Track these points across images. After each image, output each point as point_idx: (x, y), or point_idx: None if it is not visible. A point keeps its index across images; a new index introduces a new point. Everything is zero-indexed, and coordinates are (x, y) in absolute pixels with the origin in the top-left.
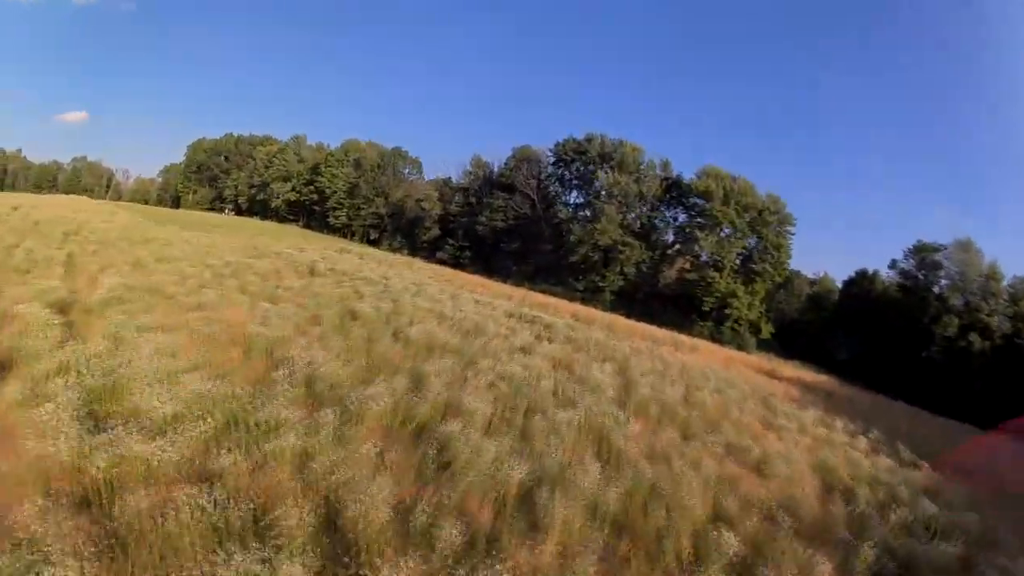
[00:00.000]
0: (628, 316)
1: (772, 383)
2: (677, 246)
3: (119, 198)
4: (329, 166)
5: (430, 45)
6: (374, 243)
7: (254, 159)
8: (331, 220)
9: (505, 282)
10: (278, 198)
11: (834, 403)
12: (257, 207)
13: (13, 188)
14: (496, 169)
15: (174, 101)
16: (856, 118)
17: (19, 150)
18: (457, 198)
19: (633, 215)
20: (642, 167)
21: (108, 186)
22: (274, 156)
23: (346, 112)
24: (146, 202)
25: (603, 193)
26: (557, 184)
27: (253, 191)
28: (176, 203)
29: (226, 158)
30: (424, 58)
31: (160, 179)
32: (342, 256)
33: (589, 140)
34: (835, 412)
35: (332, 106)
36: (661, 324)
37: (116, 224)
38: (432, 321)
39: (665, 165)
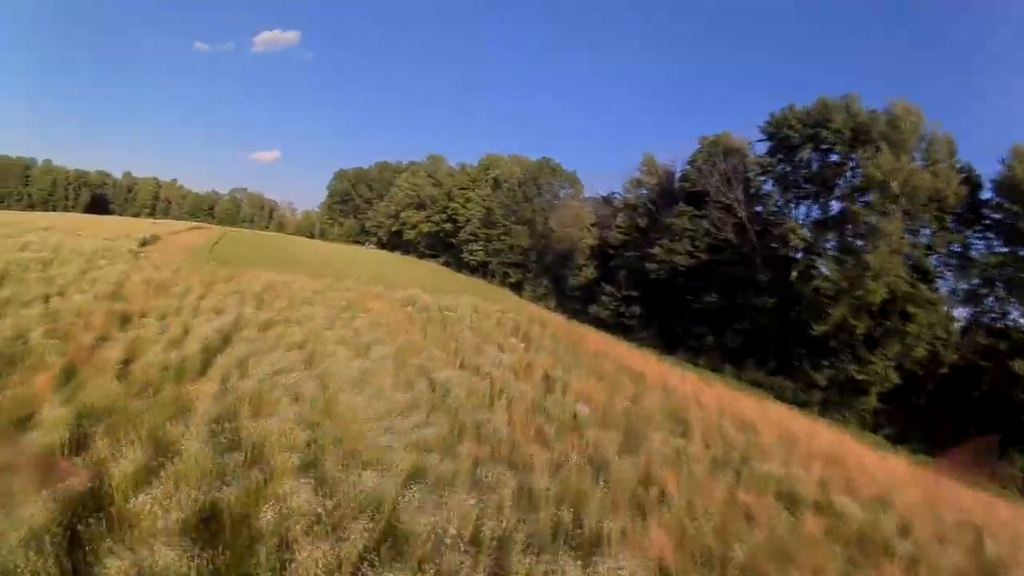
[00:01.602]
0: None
1: None
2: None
3: (279, 229)
4: (463, 188)
5: (590, 45)
6: (517, 287)
7: (395, 187)
8: (465, 256)
9: (696, 363)
10: (412, 229)
11: None
12: (396, 240)
13: (166, 215)
14: (678, 172)
15: (350, 139)
16: None
17: (175, 180)
18: (620, 220)
19: (922, 237)
20: (931, 148)
21: (270, 217)
22: (407, 180)
23: (504, 129)
24: (311, 235)
25: (875, 197)
26: (777, 189)
27: (389, 222)
28: (322, 236)
29: (369, 187)
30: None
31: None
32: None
33: (826, 106)
34: None
35: (499, 125)
36: None
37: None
38: None
39: (948, 146)
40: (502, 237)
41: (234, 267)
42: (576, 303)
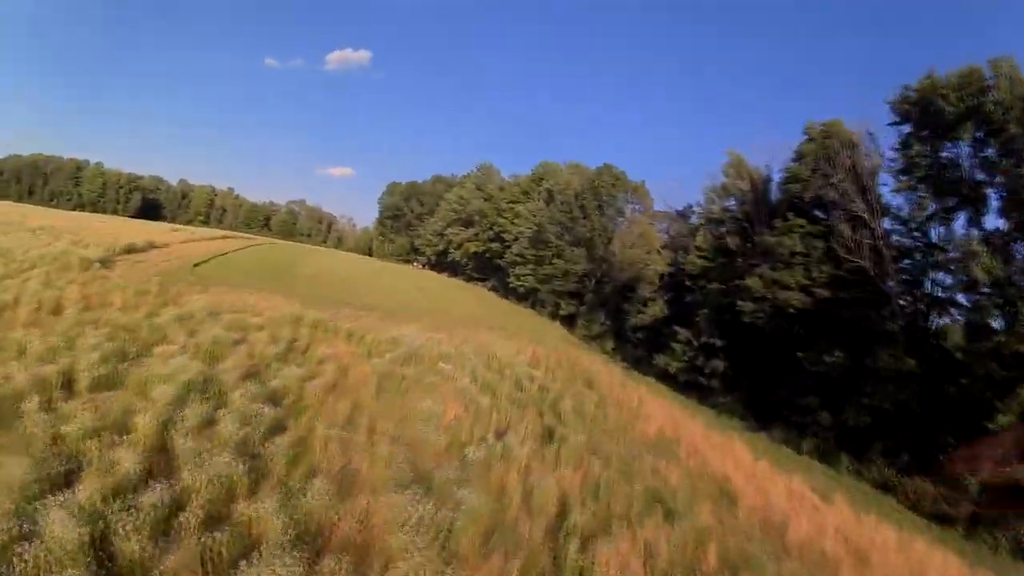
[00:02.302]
0: None
1: None
2: None
3: (339, 244)
4: (513, 201)
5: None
6: (570, 321)
7: (443, 201)
8: (512, 281)
9: (799, 450)
10: (457, 248)
11: None
12: (445, 261)
13: (220, 223)
14: (777, 176)
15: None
16: None
17: (231, 188)
18: (700, 239)
19: None
20: None
21: (328, 231)
22: (455, 194)
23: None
24: (369, 252)
25: None
26: (925, 193)
27: (436, 240)
28: (373, 253)
29: (421, 202)
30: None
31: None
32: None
33: (969, 72)
34: None
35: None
36: None
37: None
38: None
39: None
40: (554, 260)
41: (217, 285)
42: (639, 348)
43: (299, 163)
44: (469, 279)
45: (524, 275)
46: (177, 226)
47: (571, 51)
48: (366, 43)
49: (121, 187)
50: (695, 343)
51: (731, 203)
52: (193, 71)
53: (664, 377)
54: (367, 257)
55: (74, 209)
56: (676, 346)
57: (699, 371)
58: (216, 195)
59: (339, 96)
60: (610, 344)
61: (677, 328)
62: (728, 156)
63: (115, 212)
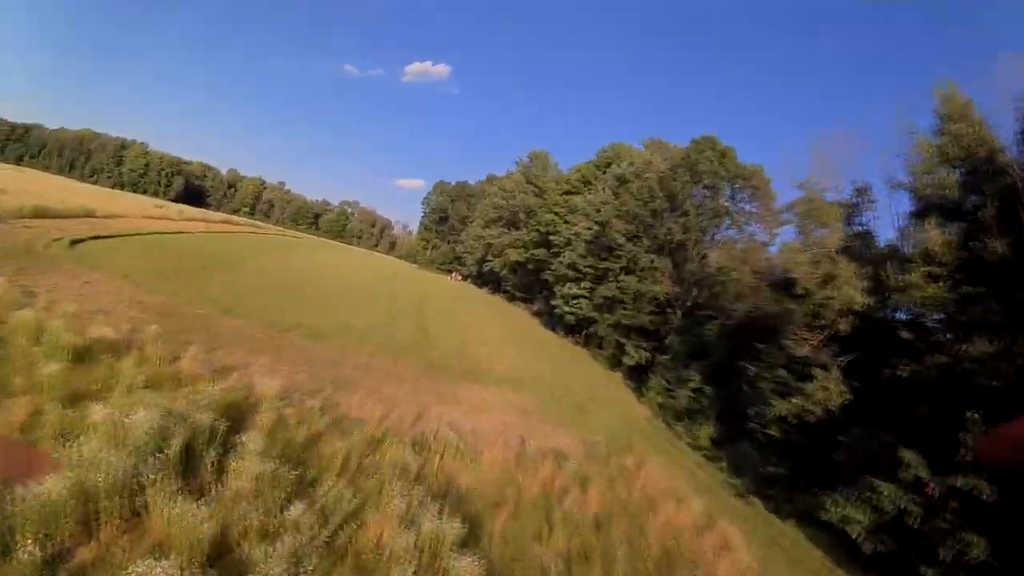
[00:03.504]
0: None
1: None
2: None
3: (390, 249)
4: (570, 192)
5: None
6: (638, 375)
7: (486, 196)
8: (557, 307)
9: None
10: (497, 256)
11: None
12: (488, 273)
13: (267, 217)
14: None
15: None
16: None
17: (282, 182)
18: (921, 246)
19: None
20: None
21: (380, 235)
22: (499, 187)
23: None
24: (415, 260)
25: None
26: None
27: (476, 245)
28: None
29: (468, 203)
30: None
31: None
32: None
33: None
34: None
35: None
36: None
37: None
38: None
39: None
40: (621, 277)
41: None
42: (777, 458)
43: (371, 171)
44: (511, 298)
45: (576, 297)
46: (163, 202)
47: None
48: (446, 57)
49: (163, 170)
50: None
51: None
52: (272, 72)
53: (842, 545)
54: (396, 261)
55: (113, 187)
56: (883, 489)
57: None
58: (264, 188)
59: (415, 108)
60: (709, 429)
61: (885, 437)
62: (943, 93)
63: (155, 194)
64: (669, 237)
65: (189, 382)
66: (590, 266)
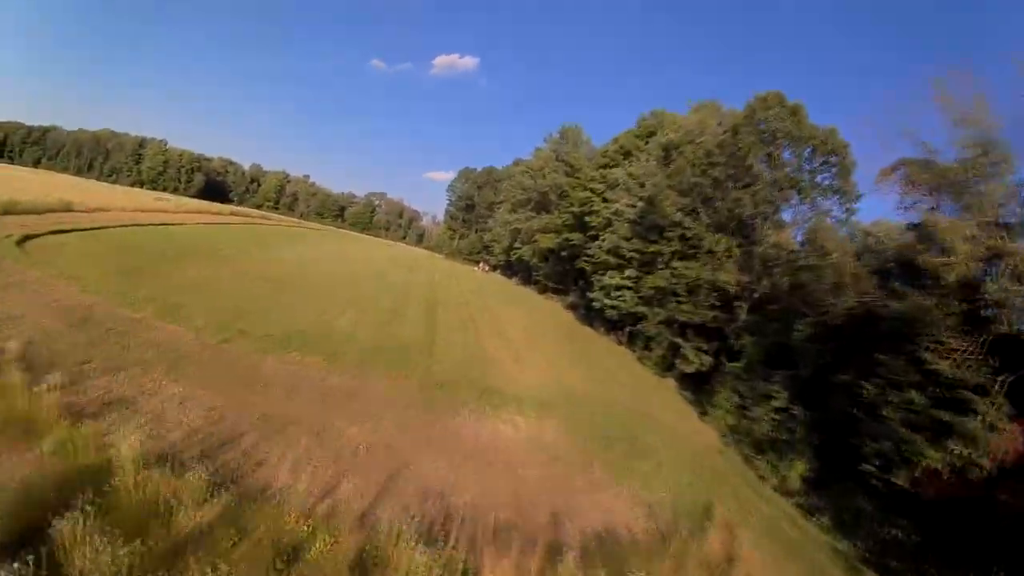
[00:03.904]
0: None
1: None
2: None
3: (419, 241)
4: (605, 165)
5: None
6: (698, 384)
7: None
8: (596, 298)
9: None
10: (527, 244)
11: None
12: (517, 262)
13: (291, 211)
14: None
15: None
16: None
17: (306, 175)
18: None
19: None
20: None
21: (409, 226)
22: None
23: None
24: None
25: None
26: None
27: (503, 232)
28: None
29: (495, 189)
30: None
31: None
32: None
33: None
34: None
35: None
36: None
37: None
38: None
39: None
40: (673, 263)
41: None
42: (907, 516)
43: (401, 166)
44: (543, 290)
45: (619, 287)
46: (166, 196)
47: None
48: (473, 49)
49: (183, 166)
50: None
51: None
52: (297, 69)
53: None
54: (420, 252)
55: (132, 186)
56: None
57: None
58: (288, 181)
59: (443, 100)
60: (802, 466)
61: None
62: None
63: (175, 191)
64: (736, 211)
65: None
66: (636, 250)
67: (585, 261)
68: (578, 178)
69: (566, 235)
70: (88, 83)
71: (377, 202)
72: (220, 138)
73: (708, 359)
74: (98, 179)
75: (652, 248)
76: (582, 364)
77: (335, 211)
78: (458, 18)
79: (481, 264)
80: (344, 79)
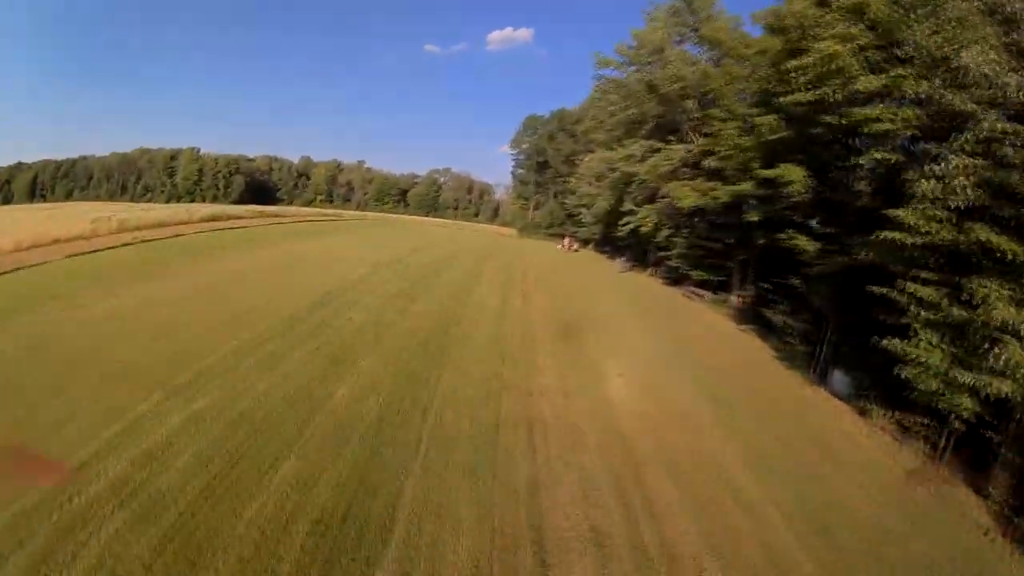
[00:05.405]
0: None
1: None
2: None
3: (494, 217)
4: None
5: None
6: None
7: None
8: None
9: None
10: (638, 206)
11: None
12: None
13: (347, 202)
14: None
15: None
16: None
17: (362, 161)
18: None
19: None
20: None
21: (480, 201)
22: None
23: None
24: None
25: None
26: None
27: (589, 191)
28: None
29: (574, 136)
30: None
31: None
32: None
33: None
34: None
35: None
36: None
37: None
38: None
39: None
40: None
41: None
42: None
43: (471, 145)
44: (673, 282)
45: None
46: (170, 206)
47: None
48: (527, 20)
49: (219, 172)
50: None
51: None
52: (351, 61)
53: None
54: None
55: (167, 201)
56: None
57: None
58: (340, 170)
59: (503, 74)
60: None
61: None
62: None
63: (214, 199)
64: None
65: None
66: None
67: (805, 238)
68: (737, 67)
69: (757, 174)
70: (125, 102)
71: (442, 179)
72: (278, 140)
73: None
74: (132, 200)
75: None
76: None
77: (396, 196)
78: None
79: (566, 239)
80: (400, 69)
